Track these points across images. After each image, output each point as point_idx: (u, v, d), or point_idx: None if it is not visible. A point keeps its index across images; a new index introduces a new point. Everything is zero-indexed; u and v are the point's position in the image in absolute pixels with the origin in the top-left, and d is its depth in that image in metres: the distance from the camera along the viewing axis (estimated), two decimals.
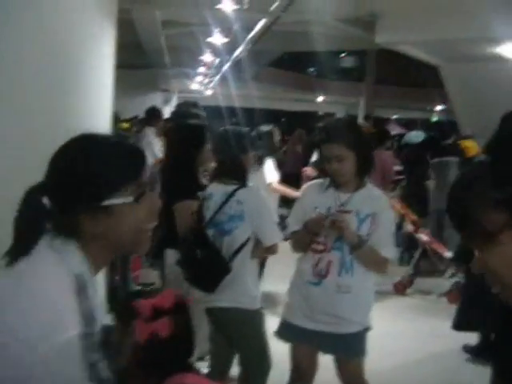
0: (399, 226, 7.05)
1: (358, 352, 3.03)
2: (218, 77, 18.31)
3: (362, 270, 2.93)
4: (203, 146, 3.68)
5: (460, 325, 5.00)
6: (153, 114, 8.33)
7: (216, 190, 3.39)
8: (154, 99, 17.10)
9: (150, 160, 7.77)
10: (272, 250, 3.38)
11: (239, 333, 3.36)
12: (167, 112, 19.09)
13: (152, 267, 4.78)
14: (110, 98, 5.73)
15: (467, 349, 5.13)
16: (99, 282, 5.23)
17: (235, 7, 8.85)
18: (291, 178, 11.84)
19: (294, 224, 3.09)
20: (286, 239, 3.69)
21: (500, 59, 9.72)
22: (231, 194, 3.30)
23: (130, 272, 5.74)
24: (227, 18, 9.51)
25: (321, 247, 2.95)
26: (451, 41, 9.12)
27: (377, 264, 2.98)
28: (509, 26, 7.81)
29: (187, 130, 3.82)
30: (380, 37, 9.62)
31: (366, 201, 2.93)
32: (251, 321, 3.35)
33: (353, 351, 3.03)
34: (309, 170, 6.11)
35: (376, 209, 2.92)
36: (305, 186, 3.21)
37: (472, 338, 5.10)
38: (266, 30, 10.32)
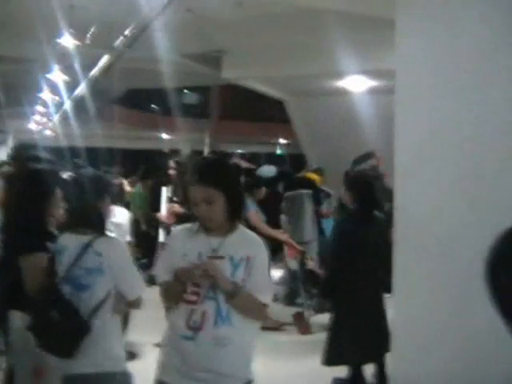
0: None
1: None
2: (57, 116, 17.54)
3: (242, 319, 2.71)
4: (53, 193, 3.31)
5: (331, 359, 4.95)
6: None
7: (69, 242, 3.04)
8: None
9: None
10: (136, 303, 3.10)
11: None
12: (2, 155, 18.03)
13: None
14: None
15: (337, 382, 5.10)
16: None
17: (77, 43, 8.49)
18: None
19: (162, 274, 2.79)
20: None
21: (343, 93, 10.20)
22: (88, 245, 2.97)
23: None
24: (68, 53, 9.10)
25: (193, 298, 2.68)
26: (296, 76, 9.44)
27: (255, 311, 2.77)
28: (351, 61, 8.20)
29: (34, 176, 3.42)
30: (226, 72, 9.73)
31: (239, 244, 2.72)
32: None
33: None
34: (175, 207, 5.83)
35: (250, 252, 2.71)
36: (173, 231, 2.95)
37: (341, 371, 5.07)
38: (109, 66, 10.01)
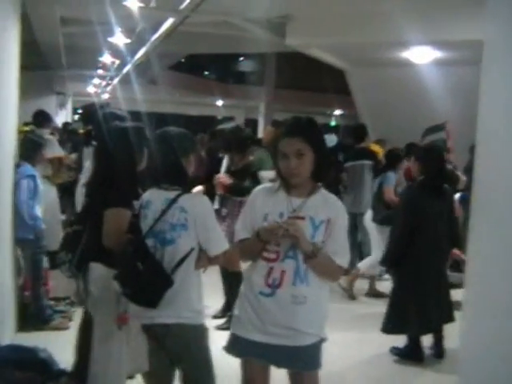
0: None
1: (314, 365, 2.84)
2: (116, 80, 17.74)
3: (318, 279, 2.75)
4: (141, 150, 3.36)
5: (391, 328, 4.98)
6: (41, 117, 7.83)
7: (155, 197, 3.10)
8: (49, 103, 16.40)
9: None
10: (217, 260, 3.13)
11: (182, 349, 3.09)
12: (63, 116, 18.41)
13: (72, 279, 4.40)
14: (16, 100, 5.29)
15: (395, 351, 5.12)
16: (7, 300, 4.78)
17: (142, 5, 8.51)
18: (195, 181, 11.65)
19: (242, 231, 2.86)
20: None
21: (407, 64, 9.99)
22: (173, 201, 3.01)
23: (41, 286, 5.27)
24: (131, 16, 9.12)
25: (273, 256, 2.74)
26: (359, 45, 9.26)
27: (331, 273, 2.82)
28: (417, 32, 8.01)
29: (125, 133, 3.47)
30: (290, 39, 9.62)
31: (320, 206, 2.74)
32: (194, 337, 3.09)
33: (308, 364, 2.83)
34: (223, 177, 5.91)
35: (331, 214, 2.74)
36: (255, 191, 2.94)
37: (399, 340, 5.09)
38: (172, 30, 10.00)
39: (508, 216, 2.80)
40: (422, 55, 9.95)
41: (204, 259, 3.08)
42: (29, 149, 5.28)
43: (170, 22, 9.54)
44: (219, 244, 3.10)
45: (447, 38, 8.52)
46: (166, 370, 3.20)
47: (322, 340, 2.85)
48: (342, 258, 2.77)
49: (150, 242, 3.02)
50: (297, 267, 2.70)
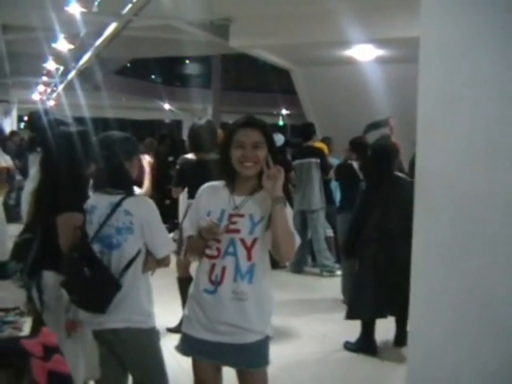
0: None
1: (260, 362, 2.85)
2: (61, 86, 17.48)
3: (260, 277, 2.77)
4: (88, 154, 3.37)
5: (347, 314, 5.16)
6: None
7: (99, 202, 3.10)
8: None
9: None
10: (165, 262, 3.15)
11: (133, 354, 3.09)
12: (8, 124, 18.04)
13: (22, 288, 4.36)
14: None
15: (348, 346, 5.23)
16: None
17: (83, 10, 8.46)
18: (139, 186, 11.60)
19: (189, 228, 2.87)
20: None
21: (350, 61, 10.17)
22: (117, 205, 3.02)
23: None
24: (74, 21, 9.05)
25: (214, 253, 2.76)
26: (303, 45, 9.39)
27: (290, 237, 2.74)
28: (357, 30, 8.18)
29: (73, 138, 3.47)
30: (233, 41, 9.67)
31: (261, 204, 2.77)
32: (145, 340, 3.10)
33: (253, 362, 2.84)
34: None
35: (270, 211, 2.75)
36: (201, 188, 2.94)
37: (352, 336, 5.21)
38: (115, 35, 9.96)
39: (447, 205, 2.94)
40: (364, 53, 10.15)
41: (151, 262, 3.10)
42: None
43: (113, 26, 9.50)
44: (166, 246, 3.12)
45: (386, 36, 8.73)
46: (118, 375, 3.19)
47: (268, 337, 2.86)
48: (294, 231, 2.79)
49: (96, 247, 3.02)
50: (237, 263, 2.73)
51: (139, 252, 3.04)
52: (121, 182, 3.11)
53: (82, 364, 3.46)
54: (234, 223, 2.74)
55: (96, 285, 2.93)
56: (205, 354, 2.82)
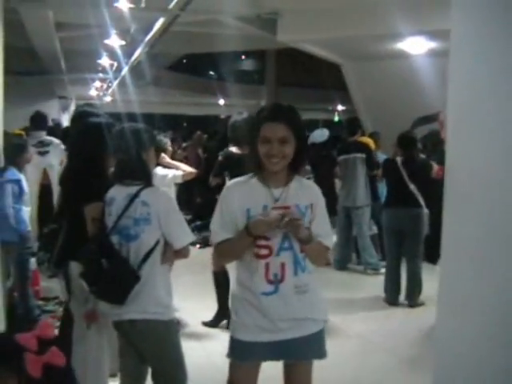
0: None
1: (322, 353, 2.78)
2: (116, 82, 17.79)
3: (310, 264, 2.72)
4: (110, 145, 3.39)
5: None
6: (38, 119, 7.87)
7: (118, 194, 3.10)
8: (51, 107, 16.47)
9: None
10: (183, 253, 3.12)
11: (150, 345, 3.08)
12: (66, 120, 18.50)
13: (55, 278, 4.45)
14: (1, 106, 5.29)
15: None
16: None
17: (131, 6, 8.54)
18: (193, 181, 11.70)
19: (222, 232, 2.69)
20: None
21: (402, 55, 9.91)
22: (135, 196, 3.02)
23: (28, 287, 5.32)
24: (124, 17, 9.17)
25: (265, 251, 2.62)
26: (353, 38, 9.20)
27: (322, 255, 2.79)
28: (410, 22, 7.95)
29: (91, 128, 3.51)
30: (282, 35, 9.57)
31: (300, 192, 2.69)
32: (164, 332, 3.08)
33: (321, 351, 2.77)
34: None
35: (312, 199, 2.71)
36: (227, 187, 2.80)
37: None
38: (164, 30, 10.03)
39: (478, 203, 2.79)
40: (416, 46, 9.88)
41: (170, 253, 3.08)
42: (12, 153, 5.31)
43: (160, 21, 9.57)
44: (184, 237, 3.09)
45: (438, 28, 8.43)
46: (137, 367, 3.20)
47: (326, 322, 2.81)
48: (327, 238, 2.76)
49: (114, 238, 3.02)
50: (295, 257, 2.65)
51: (157, 243, 3.02)
52: (138, 173, 3.10)
53: (108, 356, 3.48)
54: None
55: (114, 276, 2.94)
56: (263, 355, 2.72)
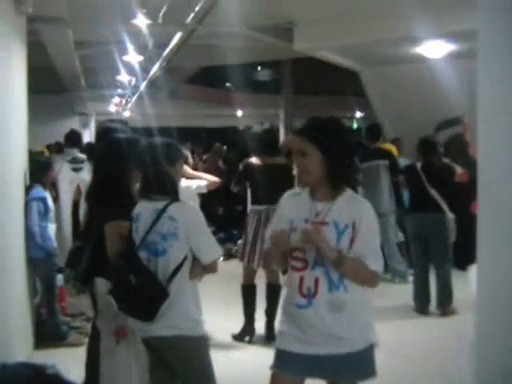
0: None
1: (365, 373, 2.68)
2: (134, 97, 17.92)
3: (355, 284, 2.62)
4: (135, 161, 3.39)
5: None
6: (73, 136, 8.07)
7: (144, 209, 3.10)
8: (72, 124, 16.62)
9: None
10: (211, 268, 3.10)
11: (182, 361, 3.06)
12: (86, 136, 18.68)
13: (81, 294, 4.48)
14: (25, 124, 5.38)
15: None
16: (24, 318, 4.85)
17: (149, 22, 8.59)
18: (215, 193, 11.71)
19: (268, 239, 2.73)
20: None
21: (421, 59, 9.82)
22: (162, 211, 3.01)
23: (56, 303, 5.35)
24: (142, 34, 9.23)
25: (300, 264, 2.62)
26: (370, 43, 9.15)
27: (365, 279, 2.63)
28: (428, 26, 7.88)
29: (114, 145, 3.52)
30: (298, 44, 9.56)
31: (344, 209, 2.60)
32: (195, 347, 3.06)
33: (359, 372, 2.67)
34: None
35: (355, 217, 2.58)
36: (283, 196, 2.83)
37: None
38: (181, 44, 10.07)
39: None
40: (434, 49, 9.78)
41: (198, 268, 3.06)
42: (37, 171, 5.38)
43: (178, 36, 9.60)
44: (212, 251, 3.07)
45: (457, 29, 8.33)
46: (166, 382, 3.17)
47: (372, 345, 2.69)
48: (375, 262, 2.60)
49: (143, 254, 3.01)
50: (328, 274, 2.59)
51: (185, 258, 3.00)
52: (164, 188, 3.09)
53: (136, 374, 3.46)
54: None
55: (143, 293, 2.93)
56: (301, 368, 2.68)
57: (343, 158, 2.64)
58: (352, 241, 2.58)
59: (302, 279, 2.61)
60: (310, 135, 2.61)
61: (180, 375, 3.11)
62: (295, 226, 2.61)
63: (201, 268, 3.07)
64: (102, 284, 3.32)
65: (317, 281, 2.59)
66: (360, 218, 2.59)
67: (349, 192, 2.66)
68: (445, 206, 6.14)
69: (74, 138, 8.09)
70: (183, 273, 3.00)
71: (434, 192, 6.17)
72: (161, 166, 3.08)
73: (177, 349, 3.02)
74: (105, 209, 3.32)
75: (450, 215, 6.12)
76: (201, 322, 3.07)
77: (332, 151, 2.60)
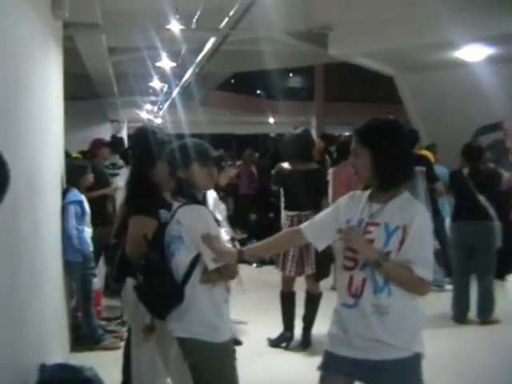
0: None
1: (407, 382, 2.60)
2: (167, 104, 18.01)
3: (400, 290, 2.54)
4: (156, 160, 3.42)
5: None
6: (116, 141, 8.20)
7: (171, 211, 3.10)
8: (104, 130, 16.77)
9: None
10: (226, 273, 2.93)
11: (196, 365, 2.94)
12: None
13: (114, 297, 4.48)
14: (61, 129, 5.42)
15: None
16: (60, 321, 4.86)
17: (182, 27, 8.62)
18: (247, 199, 11.73)
19: (310, 226, 2.83)
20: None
21: (459, 63, 9.64)
22: (174, 213, 2.97)
23: (92, 307, 5.35)
24: (175, 39, 9.25)
25: (350, 264, 2.61)
26: (406, 48, 9.02)
27: (409, 284, 2.54)
28: (466, 30, 7.74)
29: (149, 146, 3.54)
30: (333, 49, 9.48)
31: (397, 211, 2.56)
32: (209, 353, 2.92)
33: (393, 381, 2.57)
34: None
35: (406, 220, 2.52)
36: (343, 196, 2.82)
37: None
38: (215, 49, 10.08)
39: None
40: (473, 53, 9.58)
41: (211, 273, 2.91)
42: (74, 175, 5.40)
43: (211, 41, 9.61)
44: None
45: (497, 33, 8.16)
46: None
47: (418, 356, 2.59)
48: (422, 268, 2.50)
49: (167, 253, 3.00)
50: (373, 275, 2.55)
51: (194, 262, 2.90)
52: (179, 189, 3.04)
53: (160, 371, 3.43)
54: (370, 232, 2.58)
55: (159, 291, 2.89)
56: (344, 371, 2.64)
57: (392, 160, 2.57)
58: (401, 244, 2.53)
59: (351, 278, 2.60)
60: (360, 136, 2.63)
61: (194, 379, 2.97)
62: (351, 224, 2.64)
63: (215, 273, 2.91)
64: (130, 282, 3.30)
65: (364, 281, 2.56)
66: (411, 222, 2.52)
67: (405, 194, 2.63)
68: (493, 213, 5.96)
69: (116, 144, 8.20)
70: (195, 277, 2.90)
71: (482, 199, 5.98)
72: (172, 168, 3.04)
73: (191, 352, 2.93)
74: (133, 204, 3.36)
75: (498, 222, 5.96)
76: (220, 328, 2.93)
77: (380, 153, 2.57)
